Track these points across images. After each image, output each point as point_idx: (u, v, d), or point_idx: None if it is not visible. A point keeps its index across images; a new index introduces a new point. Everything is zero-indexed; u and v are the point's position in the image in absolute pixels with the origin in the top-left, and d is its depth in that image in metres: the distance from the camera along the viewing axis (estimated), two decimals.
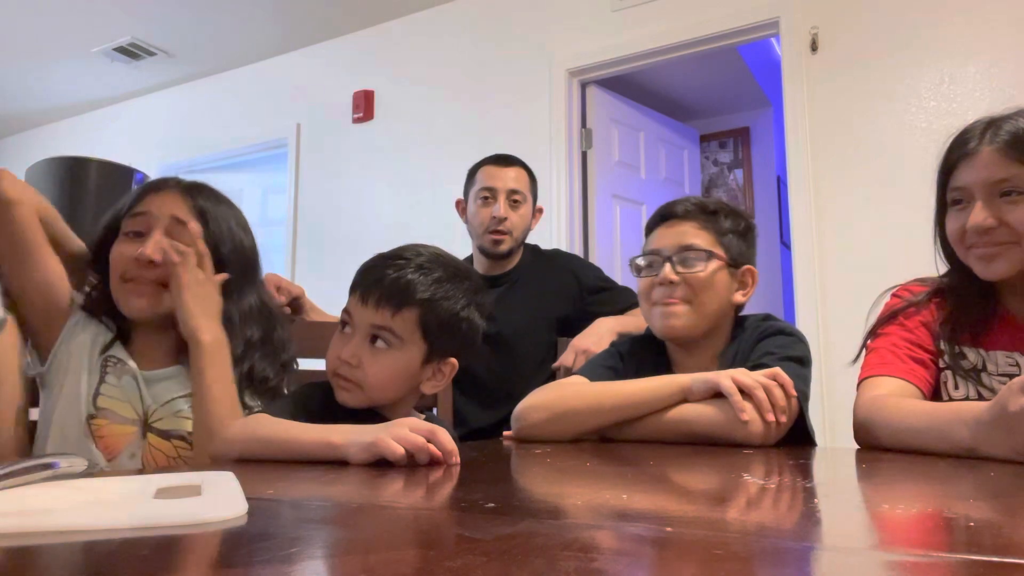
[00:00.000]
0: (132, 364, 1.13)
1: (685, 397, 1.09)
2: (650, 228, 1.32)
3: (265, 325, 1.21)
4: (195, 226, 1.14)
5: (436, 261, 1.06)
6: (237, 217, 1.22)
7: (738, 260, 1.26)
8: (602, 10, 3.42)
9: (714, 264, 1.23)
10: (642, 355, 1.32)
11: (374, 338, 1.02)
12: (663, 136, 4.10)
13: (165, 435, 1.11)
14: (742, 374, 1.05)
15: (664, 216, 1.29)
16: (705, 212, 1.27)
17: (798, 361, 1.17)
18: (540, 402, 1.18)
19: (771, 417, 1.02)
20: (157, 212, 1.13)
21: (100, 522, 0.46)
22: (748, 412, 1.02)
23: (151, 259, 1.10)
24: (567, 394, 1.17)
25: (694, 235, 1.24)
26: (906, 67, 2.74)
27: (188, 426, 1.11)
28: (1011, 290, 1.11)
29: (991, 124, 1.08)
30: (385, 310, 1.01)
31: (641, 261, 1.28)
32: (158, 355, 1.16)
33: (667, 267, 1.22)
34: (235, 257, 1.18)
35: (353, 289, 1.05)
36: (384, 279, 1.02)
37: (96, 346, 1.14)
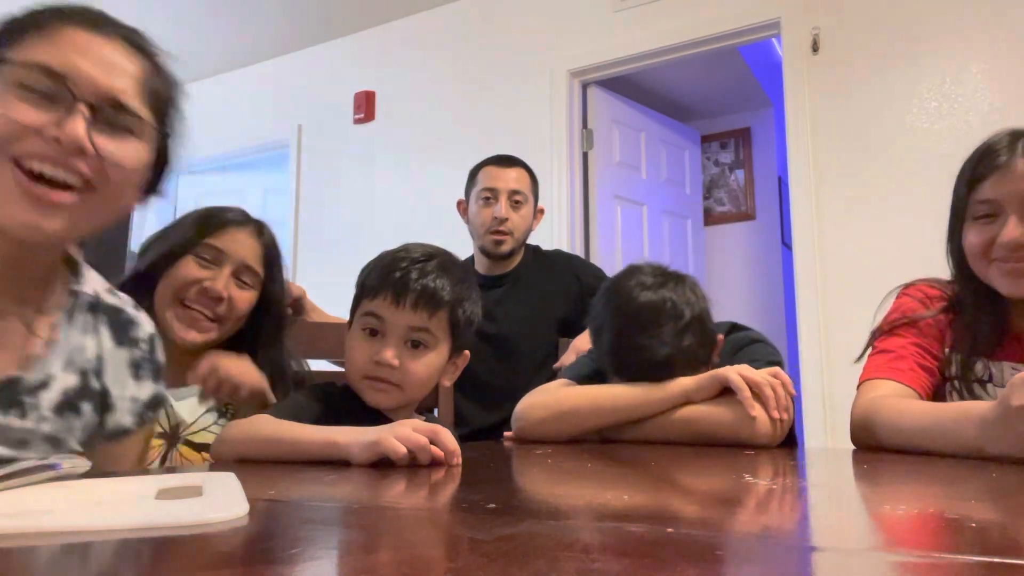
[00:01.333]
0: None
1: (688, 400, 1.09)
2: (635, 370, 1.13)
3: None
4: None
5: (448, 260, 1.10)
6: (281, 259, 1.29)
7: (713, 338, 1.16)
8: (603, 11, 3.42)
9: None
10: None
11: (411, 339, 1.04)
12: (664, 137, 4.10)
13: (197, 448, 1.14)
14: (748, 370, 1.05)
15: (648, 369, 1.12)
16: (688, 353, 1.11)
17: (779, 366, 1.17)
18: (541, 401, 1.18)
19: (777, 415, 1.02)
20: (232, 253, 1.18)
21: (101, 523, 0.46)
22: (757, 409, 1.01)
23: (220, 295, 1.15)
24: (568, 394, 1.17)
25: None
26: (907, 68, 2.74)
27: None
28: (1020, 309, 1.09)
29: (1018, 136, 1.05)
30: (423, 312, 1.03)
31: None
32: (180, 374, 1.15)
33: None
34: (281, 305, 1.27)
35: (376, 292, 1.04)
36: (411, 281, 1.03)
37: None
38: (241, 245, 1.20)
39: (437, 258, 1.08)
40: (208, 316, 1.16)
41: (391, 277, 1.04)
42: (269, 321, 1.24)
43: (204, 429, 1.16)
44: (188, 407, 1.16)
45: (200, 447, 1.15)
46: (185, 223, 1.21)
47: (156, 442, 1.11)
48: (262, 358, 1.20)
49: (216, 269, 1.16)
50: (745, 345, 1.22)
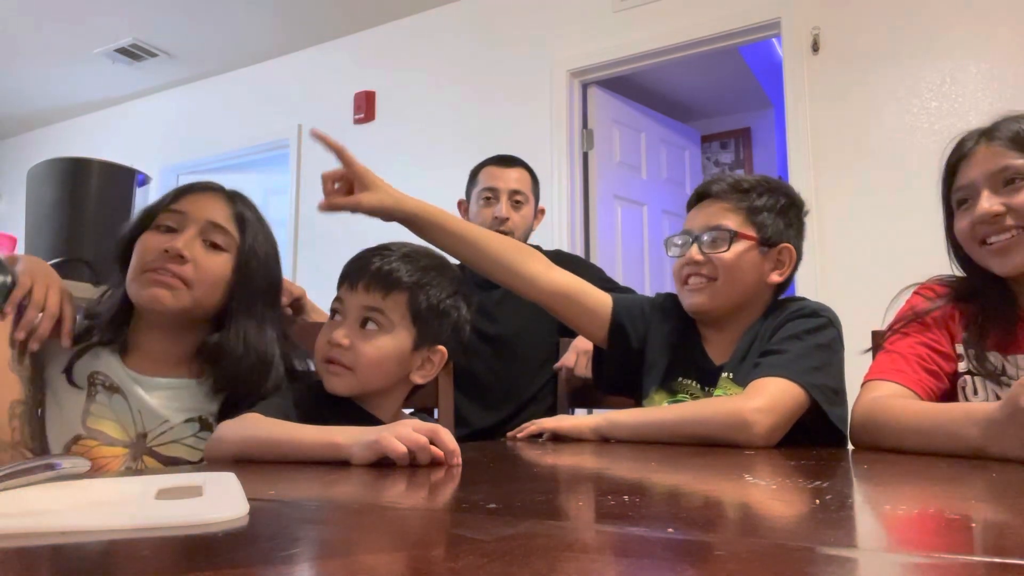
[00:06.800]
0: (124, 377, 1.05)
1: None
2: (688, 207, 1.31)
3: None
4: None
5: (420, 252, 1.10)
6: (272, 238, 1.17)
7: (773, 239, 1.22)
8: (603, 11, 3.42)
9: (742, 245, 1.20)
10: (674, 316, 1.31)
11: (365, 321, 1.04)
12: (664, 137, 4.10)
13: (164, 461, 1.04)
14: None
15: (700, 195, 1.28)
16: (738, 191, 1.24)
17: (822, 348, 1.15)
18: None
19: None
20: (194, 213, 1.08)
21: (101, 523, 0.46)
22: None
23: (180, 253, 1.03)
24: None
25: (724, 215, 1.22)
26: (907, 67, 2.74)
27: (189, 455, 1.05)
28: None
29: (985, 131, 1.11)
30: (376, 293, 1.04)
31: (675, 240, 1.28)
32: (166, 360, 1.08)
33: (694, 247, 1.23)
34: (265, 276, 1.13)
35: (342, 280, 1.08)
36: (371, 265, 1.06)
37: (90, 362, 1.06)
38: (205, 205, 1.09)
39: (407, 249, 1.09)
40: (173, 275, 1.03)
41: (353, 264, 1.08)
42: (243, 289, 1.09)
43: (176, 441, 1.05)
44: (162, 403, 1.05)
45: (169, 460, 1.04)
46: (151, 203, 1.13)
47: (119, 451, 1.02)
48: (234, 332, 1.07)
49: (178, 234, 1.05)
50: (797, 317, 1.19)
